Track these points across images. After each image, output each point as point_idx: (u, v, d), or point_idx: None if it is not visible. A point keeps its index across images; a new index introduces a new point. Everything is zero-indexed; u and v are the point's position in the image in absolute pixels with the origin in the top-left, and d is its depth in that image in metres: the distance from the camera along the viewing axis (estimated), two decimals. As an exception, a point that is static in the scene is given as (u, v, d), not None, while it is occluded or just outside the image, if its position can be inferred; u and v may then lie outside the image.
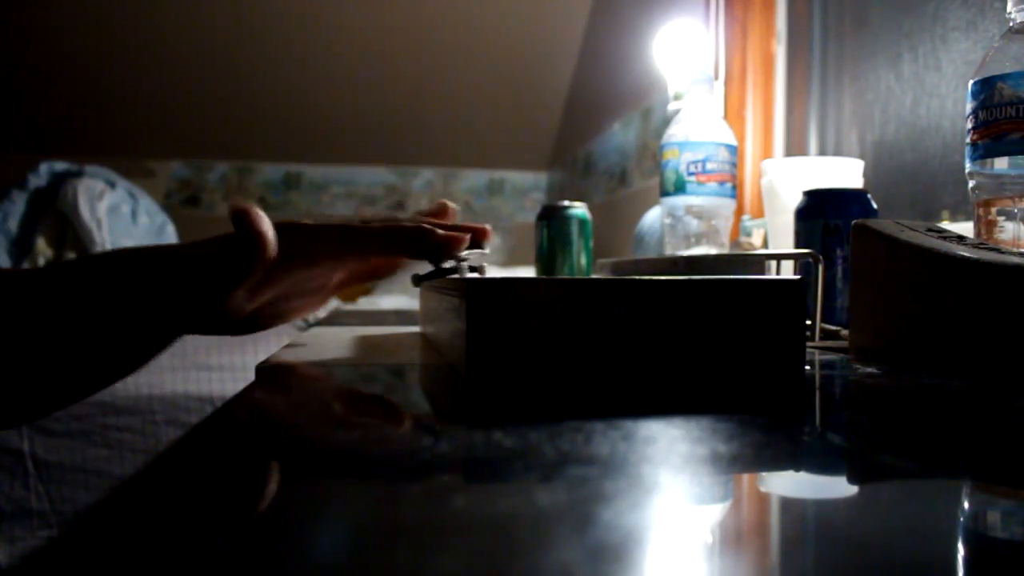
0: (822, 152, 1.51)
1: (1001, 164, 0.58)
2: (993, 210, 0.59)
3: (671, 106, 1.35)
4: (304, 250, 0.52)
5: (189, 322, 0.53)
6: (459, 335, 0.41)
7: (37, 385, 0.54)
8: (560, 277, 0.75)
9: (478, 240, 0.56)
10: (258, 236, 0.48)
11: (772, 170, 0.97)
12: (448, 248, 0.53)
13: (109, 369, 0.56)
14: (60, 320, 0.51)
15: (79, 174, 2.16)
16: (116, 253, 0.54)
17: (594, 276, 0.92)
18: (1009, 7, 0.59)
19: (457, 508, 0.21)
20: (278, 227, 0.50)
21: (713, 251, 0.97)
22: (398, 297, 2.72)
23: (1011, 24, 0.59)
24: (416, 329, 0.74)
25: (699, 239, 0.97)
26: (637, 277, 0.41)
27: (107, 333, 0.52)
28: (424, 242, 0.52)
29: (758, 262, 0.72)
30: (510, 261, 3.41)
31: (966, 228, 0.63)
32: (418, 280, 0.60)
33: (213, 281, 0.50)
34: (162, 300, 0.52)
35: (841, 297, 0.67)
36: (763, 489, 0.25)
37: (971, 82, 0.60)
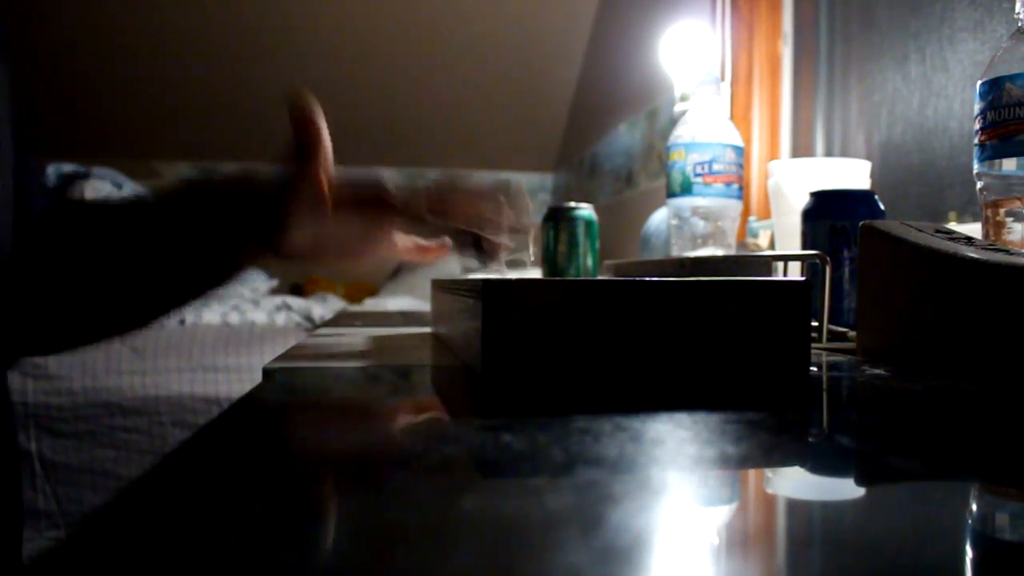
0: (829, 153, 1.51)
1: (1009, 165, 0.58)
2: (1001, 211, 0.59)
3: (677, 107, 1.34)
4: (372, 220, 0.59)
5: (253, 251, 0.61)
6: (474, 334, 0.42)
7: (123, 304, 0.63)
8: (572, 279, 0.75)
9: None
10: (319, 196, 0.56)
11: (779, 171, 0.97)
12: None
13: (184, 292, 0.64)
14: (151, 248, 0.60)
15: (86, 176, 2.17)
16: (194, 185, 0.64)
17: (601, 277, 0.92)
18: (1017, 7, 0.59)
19: (467, 509, 0.21)
20: (361, 189, 0.59)
21: (720, 252, 0.96)
22: (403, 298, 2.72)
23: (1019, 24, 0.59)
24: (425, 329, 0.74)
25: (705, 240, 0.97)
26: (647, 279, 0.41)
27: (186, 258, 0.61)
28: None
29: (765, 263, 0.72)
30: (516, 263, 3.41)
31: (974, 229, 0.63)
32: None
33: (271, 219, 0.58)
34: (231, 230, 0.60)
35: (848, 298, 0.67)
36: (771, 491, 0.25)
37: (979, 83, 0.60)
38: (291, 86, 0.57)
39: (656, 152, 2.21)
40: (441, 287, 0.63)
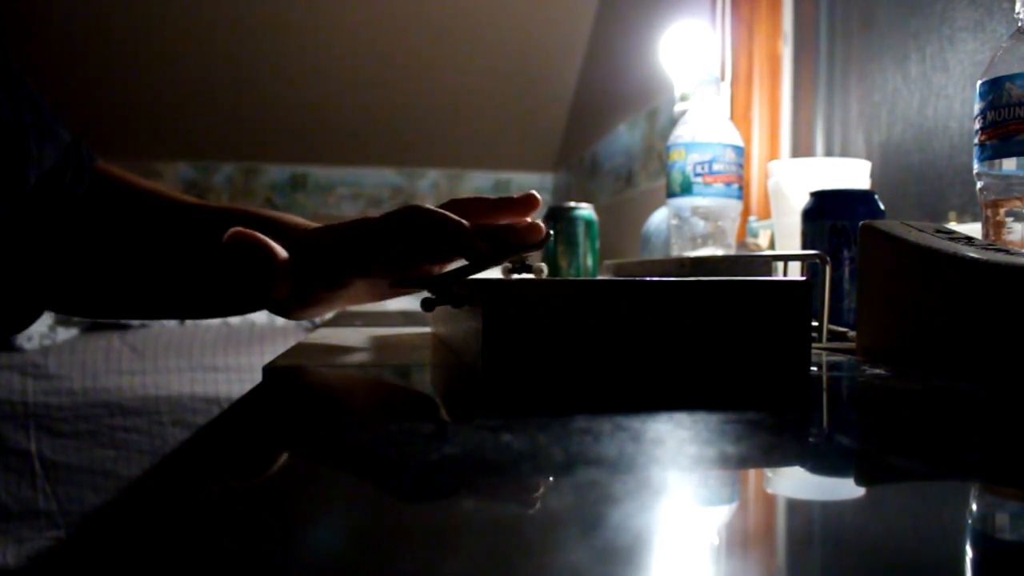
0: (829, 153, 1.50)
1: (1009, 165, 0.58)
2: (1001, 211, 0.59)
3: (677, 107, 1.34)
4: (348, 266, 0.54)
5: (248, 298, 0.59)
6: (475, 334, 0.42)
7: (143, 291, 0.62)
8: (571, 279, 0.75)
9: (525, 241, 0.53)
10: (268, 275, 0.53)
11: (779, 171, 0.97)
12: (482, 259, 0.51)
13: (201, 305, 0.64)
14: (187, 254, 0.61)
15: (86, 176, 2.17)
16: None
17: (601, 277, 0.91)
18: (1018, 7, 0.59)
19: (467, 509, 0.21)
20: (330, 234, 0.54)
21: (720, 252, 0.96)
22: (403, 298, 2.72)
23: (1019, 24, 0.59)
24: (425, 329, 0.74)
25: (705, 240, 0.97)
26: (646, 279, 0.41)
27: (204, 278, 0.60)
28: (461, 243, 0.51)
29: (765, 263, 0.72)
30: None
31: (974, 229, 0.63)
32: (429, 305, 0.52)
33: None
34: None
35: (848, 298, 0.67)
36: (771, 491, 0.25)
37: (979, 82, 0.60)
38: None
39: (656, 152, 2.21)
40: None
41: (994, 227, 0.60)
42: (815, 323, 0.60)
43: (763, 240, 1.27)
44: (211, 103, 3.12)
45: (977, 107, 0.60)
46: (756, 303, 0.42)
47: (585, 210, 1.06)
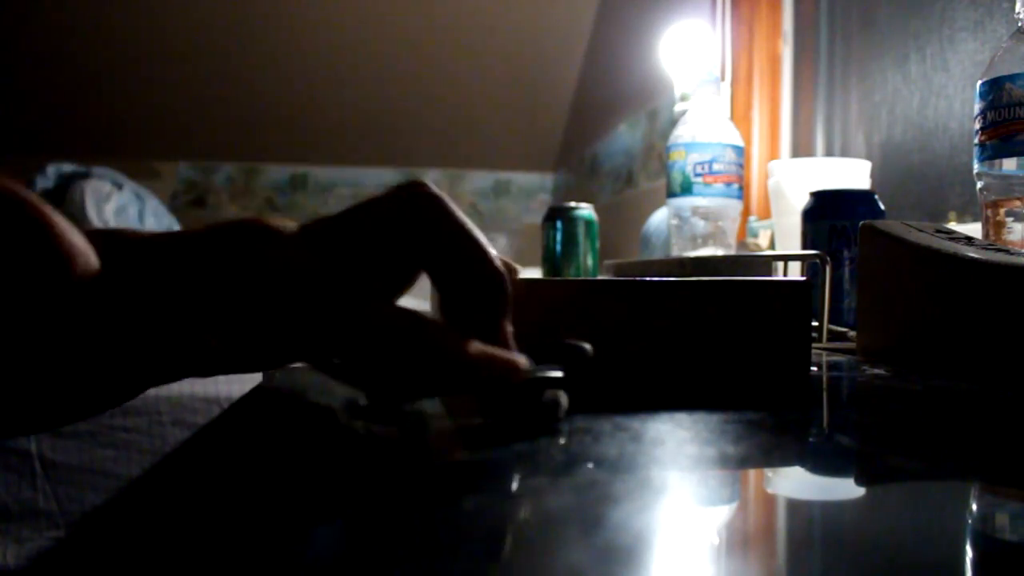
0: (829, 153, 1.50)
1: (1009, 165, 0.58)
2: (1001, 211, 0.59)
3: (677, 107, 1.34)
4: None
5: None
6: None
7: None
8: (572, 278, 0.75)
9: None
10: None
11: (779, 171, 0.97)
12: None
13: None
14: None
15: (86, 176, 2.17)
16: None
17: (601, 277, 0.91)
18: (1018, 7, 0.59)
19: (467, 509, 0.21)
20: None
21: (720, 252, 0.96)
22: (403, 298, 2.72)
23: (1019, 24, 0.59)
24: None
25: (706, 240, 0.97)
26: (646, 279, 0.41)
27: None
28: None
29: (765, 263, 0.72)
30: (516, 262, 3.40)
31: (974, 229, 0.63)
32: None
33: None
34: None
35: (848, 298, 0.67)
36: (771, 491, 0.25)
37: (979, 83, 0.60)
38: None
39: (656, 152, 2.20)
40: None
41: (994, 227, 0.60)
42: (815, 323, 0.60)
43: (763, 240, 1.27)
44: (211, 103, 3.12)
45: (977, 107, 0.60)
46: (756, 303, 0.42)
47: (585, 210, 1.06)
